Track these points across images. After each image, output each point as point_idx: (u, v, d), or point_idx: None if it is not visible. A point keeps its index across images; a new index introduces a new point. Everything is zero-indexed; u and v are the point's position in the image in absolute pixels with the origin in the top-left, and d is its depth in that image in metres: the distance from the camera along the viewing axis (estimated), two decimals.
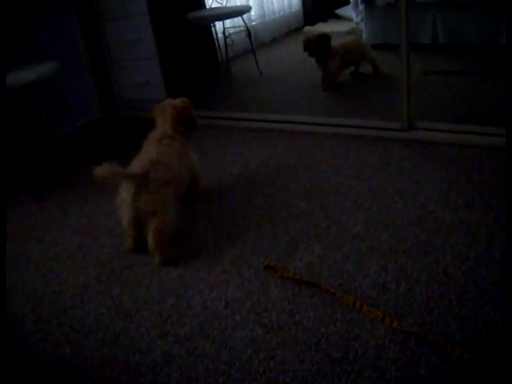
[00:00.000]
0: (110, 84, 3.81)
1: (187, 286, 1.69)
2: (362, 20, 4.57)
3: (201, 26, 4.00)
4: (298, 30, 5.91)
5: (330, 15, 5.92)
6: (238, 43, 4.43)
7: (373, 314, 1.41)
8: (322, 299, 1.52)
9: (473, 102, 2.86)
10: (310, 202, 2.10)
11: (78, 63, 3.60)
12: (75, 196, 2.51)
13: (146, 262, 1.85)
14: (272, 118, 3.07)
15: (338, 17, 5.85)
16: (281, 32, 5.71)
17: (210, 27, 4.14)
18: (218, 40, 4.22)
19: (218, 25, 4.12)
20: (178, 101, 2.16)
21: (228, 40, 3.97)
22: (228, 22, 4.15)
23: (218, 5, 4.37)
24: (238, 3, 4.92)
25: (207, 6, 4.35)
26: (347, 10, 5.42)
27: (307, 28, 5.73)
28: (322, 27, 5.59)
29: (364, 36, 4.37)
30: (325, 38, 3.44)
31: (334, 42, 3.50)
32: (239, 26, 4.21)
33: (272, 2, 5.67)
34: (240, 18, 3.98)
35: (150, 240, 1.79)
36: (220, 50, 4.18)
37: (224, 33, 3.97)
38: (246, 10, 3.99)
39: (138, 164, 1.87)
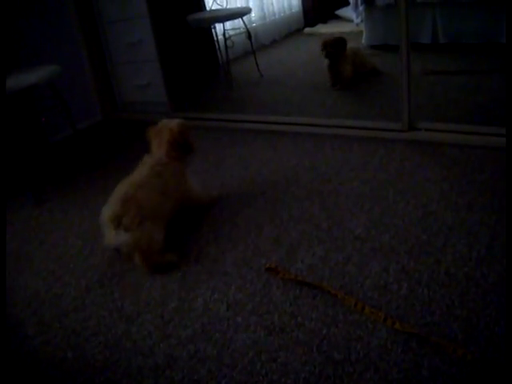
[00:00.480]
0: (111, 87, 3.81)
1: (189, 288, 1.68)
2: (362, 21, 4.57)
3: (201, 28, 4.01)
4: (299, 31, 5.91)
5: (330, 16, 5.92)
6: (239, 45, 4.43)
7: (375, 316, 1.41)
8: (324, 301, 1.52)
9: (473, 102, 2.85)
10: (311, 203, 2.10)
11: (78, 66, 3.60)
12: (76, 199, 2.52)
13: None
14: (273, 120, 3.07)
15: (338, 18, 5.85)
16: (281, 33, 5.71)
17: (211, 29, 4.14)
18: (218, 42, 4.22)
19: (218, 27, 4.13)
20: (175, 124, 2.08)
21: (228, 42, 3.98)
22: (228, 24, 4.14)
23: (218, 7, 4.38)
24: (238, 5, 4.92)
25: (207, 8, 4.36)
26: (347, 11, 5.42)
27: (307, 29, 5.73)
28: (322, 28, 5.60)
29: (364, 37, 4.38)
30: (342, 41, 3.53)
31: None
32: (239, 28, 4.21)
33: (272, 4, 5.67)
34: (240, 19, 3.98)
35: (136, 260, 1.81)
36: (220, 51, 4.18)
37: (224, 35, 3.98)
38: (246, 11, 3.99)
39: (114, 201, 1.84)
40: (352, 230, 1.86)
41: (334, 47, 3.49)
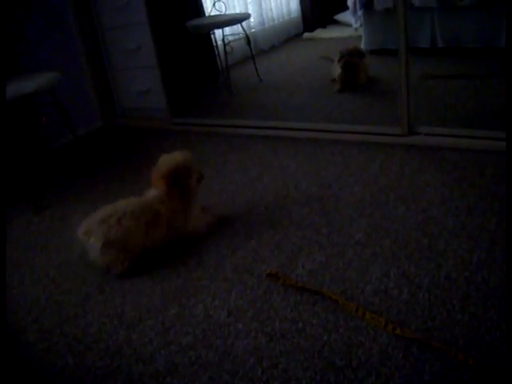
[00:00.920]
0: (111, 93, 3.83)
1: (189, 294, 1.68)
2: (360, 25, 4.57)
3: (200, 34, 4.01)
4: (298, 36, 5.92)
5: (329, 21, 5.93)
6: (238, 50, 4.43)
7: (375, 321, 1.41)
8: (325, 306, 1.51)
9: (472, 106, 2.86)
10: (311, 208, 2.10)
11: (78, 73, 3.61)
12: (76, 205, 2.51)
13: (147, 271, 1.85)
14: (272, 125, 3.07)
15: (337, 23, 5.85)
16: (280, 39, 5.72)
17: (210, 35, 4.15)
18: (217, 47, 4.23)
19: (218, 32, 4.14)
20: (174, 161, 1.95)
21: (227, 47, 3.99)
22: (227, 30, 4.15)
23: (218, 12, 4.39)
24: (237, 11, 4.94)
25: (206, 14, 4.37)
26: (346, 16, 5.42)
27: (306, 34, 5.74)
28: (321, 33, 5.61)
29: (363, 41, 4.38)
30: (360, 50, 3.61)
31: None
32: (238, 34, 4.22)
33: (271, 9, 5.68)
34: (239, 25, 3.99)
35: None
36: (220, 57, 4.19)
37: (223, 40, 3.99)
38: (245, 17, 4.00)
39: (97, 216, 1.88)
40: (352, 235, 1.86)
41: (353, 56, 3.52)
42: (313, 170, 2.45)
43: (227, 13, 4.40)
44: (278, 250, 1.85)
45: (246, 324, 1.50)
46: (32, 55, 3.19)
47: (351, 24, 5.15)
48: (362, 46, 4.38)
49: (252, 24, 5.24)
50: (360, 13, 4.41)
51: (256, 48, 4.93)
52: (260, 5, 5.41)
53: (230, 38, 4.18)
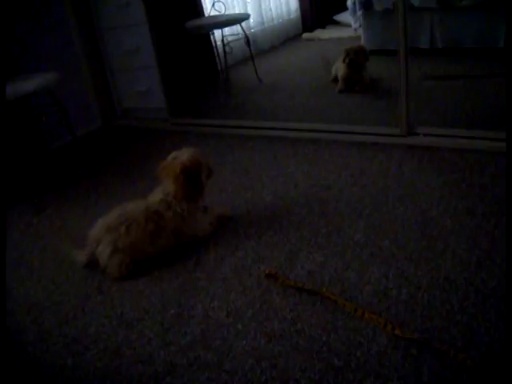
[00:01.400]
0: (110, 93, 3.82)
1: (188, 295, 1.68)
2: (360, 26, 4.58)
3: (200, 35, 4.02)
4: (297, 36, 5.92)
5: (329, 21, 5.93)
6: (237, 51, 4.43)
7: (374, 322, 1.41)
8: (324, 307, 1.51)
9: (472, 107, 2.86)
10: (310, 209, 2.10)
11: (77, 73, 3.60)
12: (76, 206, 2.51)
13: (146, 272, 1.85)
14: (271, 126, 3.07)
15: (337, 23, 5.86)
16: (279, 39, 5.72)
17: (209, 35, 4.15)
18: (216, 48, 4.23)
19: (217, 33, 4.14)
20: (184, 159, 1.91)
21: (227, 48, 3.99)
22: (227, 30, 4.16)
23: (217, 13, 4.39)
24: (237, 11, 4.93)
25: (206, 15, 4.37)
26: (345, 16, 5.41)
27: (306, 35, 5.74)
28: (320, 34, 5.61)
29: (362, 42, 4.38)
30: (365, 50, 3.60)
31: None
32: (238, 34, 4.23)
33: (270, 9, 5.68)
34: (239, 25, 3.99)
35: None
36: (219, 57, 4.20)
37: (223, 41, 3.99)
38: (244, 17, 4.01)
39: (100, 226, 1.89)
40: (351, 236, 1.86)
41: (358, 55, 3.52)
42: (312, 170, 2.45)
43: (226, 13, 4.40)
44: (277, 250, 1.85)
45: (245, 324, 1.50)
46: (32, 55, 3.18)
47: (351, 24, 5.15)
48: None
49: (251, 24, 5.24)
50: (359, 13, 4.41)
51: (255, 48, 4.93)
52: (259, 5, 5.41)
53: (230, 38, 4.19)
